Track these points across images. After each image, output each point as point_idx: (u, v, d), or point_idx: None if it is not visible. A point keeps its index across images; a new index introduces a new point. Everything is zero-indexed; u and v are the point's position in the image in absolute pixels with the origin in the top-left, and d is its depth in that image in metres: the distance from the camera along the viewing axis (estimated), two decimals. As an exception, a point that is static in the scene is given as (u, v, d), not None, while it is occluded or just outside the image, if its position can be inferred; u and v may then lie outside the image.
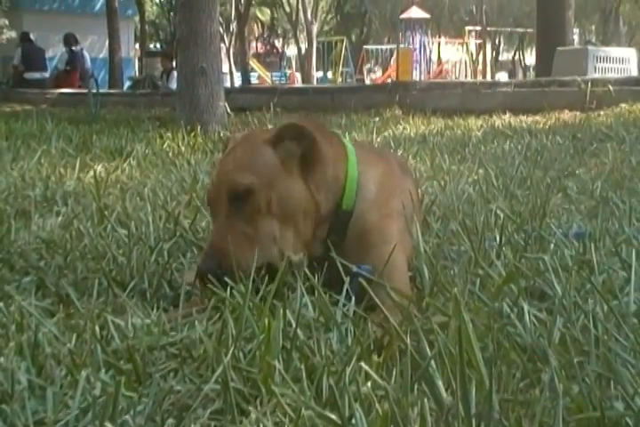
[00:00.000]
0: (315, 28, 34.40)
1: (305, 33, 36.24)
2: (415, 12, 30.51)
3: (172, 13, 42.94)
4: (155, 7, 45.11)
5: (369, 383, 1.33)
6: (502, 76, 36.87)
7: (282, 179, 2.08)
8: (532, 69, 36.34)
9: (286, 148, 2.10)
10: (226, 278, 1.91)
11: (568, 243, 2.36)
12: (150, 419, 1.39)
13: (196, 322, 1.85)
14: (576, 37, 23.42)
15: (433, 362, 1.26)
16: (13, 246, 2.72)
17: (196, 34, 7.56)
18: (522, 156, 5.31)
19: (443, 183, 4.08)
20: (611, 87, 8.51)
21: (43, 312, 1.95)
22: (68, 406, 1.44)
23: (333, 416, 1.16)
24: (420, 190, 3.00)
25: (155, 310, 2.02)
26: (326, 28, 44.23)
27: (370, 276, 1.95)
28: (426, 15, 30.75)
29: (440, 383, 1.21)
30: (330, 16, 45.52)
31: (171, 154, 5.56)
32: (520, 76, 40.28)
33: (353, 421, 1.16)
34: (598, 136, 6.32)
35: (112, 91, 17.14)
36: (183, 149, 5.83)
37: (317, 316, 1.82)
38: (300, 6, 35.17)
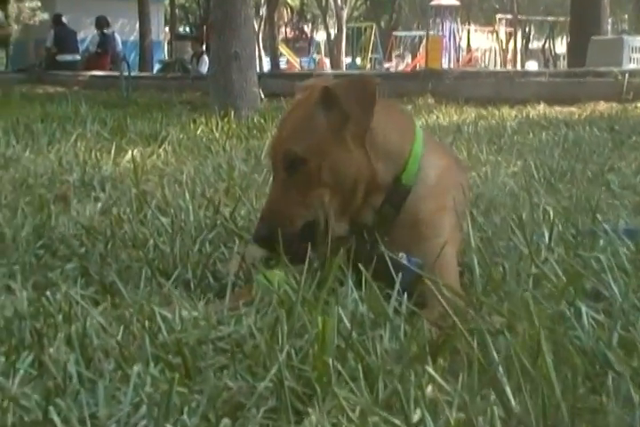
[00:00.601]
0: (345, 14, 34.17)
1: (334, 18, 36.05)
2: (446, -1, 30.29)
3: (201, -3, 42.91)
4: (185, -9, 45.04)
5: (429, 387, 1.29)
6: (532, 65, 36.53)
7: (335, 147, 2.04)
8: (562, 58, 36.01)
9: (340, 110, 2.02)
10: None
11: (620, 241, 2.30)
12: (204, 418, 1.36)
13: (244, 316, 1.82)
14: (609, 27, 23.15)
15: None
16: (55, 232, 2.70)
17: (230, 18, 7.51)
18: (559, 148, 5.23)
19: (482, 175, 4.03)
20: (648, 78, 8.40)
21: (89, 301, 1.92)
22: (119, 401, 1.41)
23: (398, 421, 1.12)
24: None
25: (200, 302, 1.99)
26: (355, 13, 44.06)
27: (419, 270, 1.90)
28: (456, 2, 30.53)
29: (508, 390, 1.17)
30: (359, 2, 45.30)
31: (205, 140, 5.52)
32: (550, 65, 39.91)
33: (420, 427, 1.12)
34: (637, 129, 6.21)
35: (143, 74, 17.13)
36: (217, 135, 5.80)
37: (367, 312, 1.78)
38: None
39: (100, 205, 3.22)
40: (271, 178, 2.19)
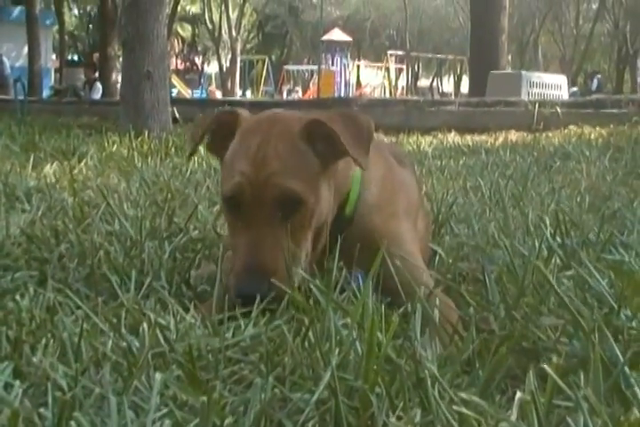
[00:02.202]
0: (238, 46, 34.19)
1: (226, 51, 36.03)
2: (337, 35, 30.67)
3: (90, 25, 42.38)
4: (73, 19, 44.37)
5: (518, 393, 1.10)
6: (420, 102, 37.08)
7: (322, 186, 1.81)
8: (449, 96, 36.77)
9: (329, 145, 1.81)
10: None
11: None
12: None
13: (243, 323, 1.61)
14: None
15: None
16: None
17: (142, 36, 7.27)
18: (489, 171, 5.17)
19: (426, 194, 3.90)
20: (558, 109, 8.50)
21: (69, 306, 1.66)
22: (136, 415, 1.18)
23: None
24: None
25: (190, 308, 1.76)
26: (247, 46, 44.06)
27: (362, 281, 1.72)
28: (347, 38, 30.92)
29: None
30: (252, 35, 45.40)
31: (125, 157, 5.25)
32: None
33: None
34: (557, 155, 6.23)
35: (35, 98, 16.56)
36: (136, 153, 5.52)
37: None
38: (225, 23, 34.94)
39: (32, 215, 2.93)
40: (242, 217, 1.77)
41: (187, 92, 33.94)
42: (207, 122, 1.92)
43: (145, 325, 1.44)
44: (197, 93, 34.93)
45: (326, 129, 1.79)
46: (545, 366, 1.01)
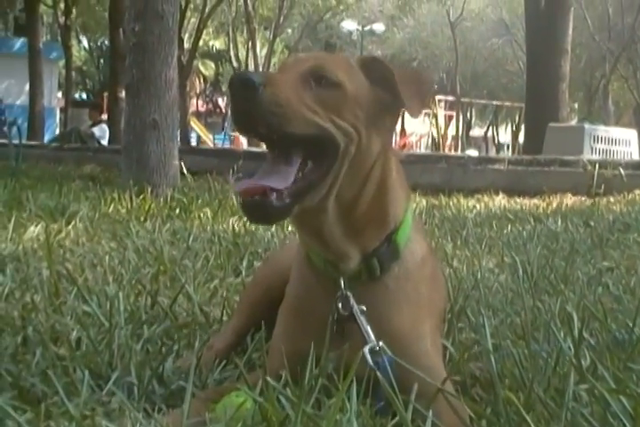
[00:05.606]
0: (267, 88, 34.40)
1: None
2: (379, 76, 30.85)
3: (101, 60, 43.10)
4: (82, 52, 45.13)
5: None
6: (472, 154, 37.20)
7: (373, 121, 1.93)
8: (505, 148, 36.86)
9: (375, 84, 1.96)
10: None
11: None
12: None
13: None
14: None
15: None
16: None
17: (148, 80, 7.38)
18: (534, 243, 5.16)
19: (455, 271, 3.90)
20: (622, 171, 8.49)
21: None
22: None
23: None
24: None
25: (154, 413, 1.78)
26: (277, 88, 44.42)
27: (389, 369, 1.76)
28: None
29: None
30: (282, 75, 45.83)
31: (120, 218, 5.31)
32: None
33: None
34: (617, 226, 6.21)
35: (34, 143, 16.83)
36: (134, 214, 5.59)
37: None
38: (252, 61, 35.33)
39: (2, 289, 2.97)
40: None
41: (208, 138, 34.29)
42: None
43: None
44: (220, 139, 35.28)
45: (382, 68, 1.92)
46: None
